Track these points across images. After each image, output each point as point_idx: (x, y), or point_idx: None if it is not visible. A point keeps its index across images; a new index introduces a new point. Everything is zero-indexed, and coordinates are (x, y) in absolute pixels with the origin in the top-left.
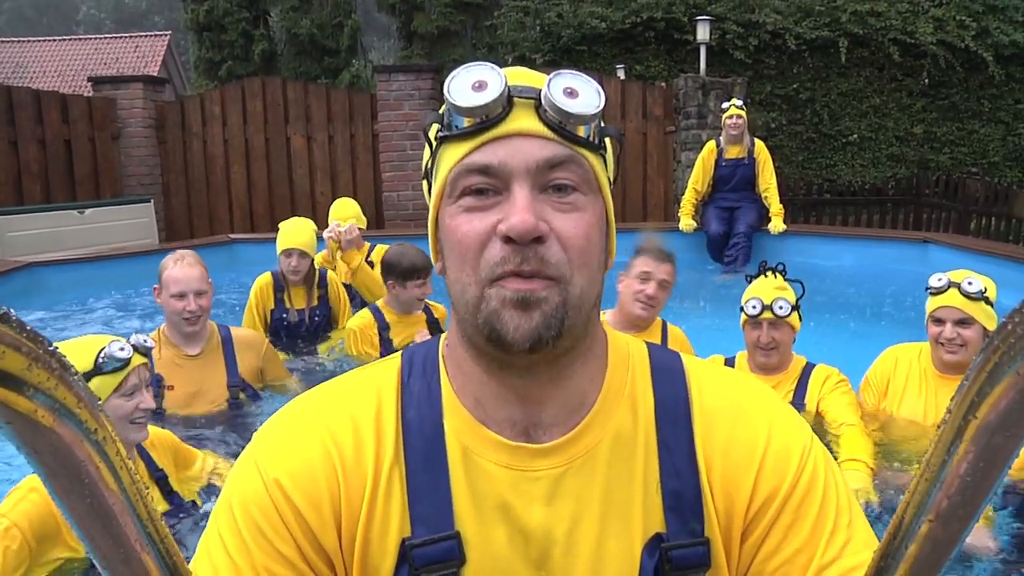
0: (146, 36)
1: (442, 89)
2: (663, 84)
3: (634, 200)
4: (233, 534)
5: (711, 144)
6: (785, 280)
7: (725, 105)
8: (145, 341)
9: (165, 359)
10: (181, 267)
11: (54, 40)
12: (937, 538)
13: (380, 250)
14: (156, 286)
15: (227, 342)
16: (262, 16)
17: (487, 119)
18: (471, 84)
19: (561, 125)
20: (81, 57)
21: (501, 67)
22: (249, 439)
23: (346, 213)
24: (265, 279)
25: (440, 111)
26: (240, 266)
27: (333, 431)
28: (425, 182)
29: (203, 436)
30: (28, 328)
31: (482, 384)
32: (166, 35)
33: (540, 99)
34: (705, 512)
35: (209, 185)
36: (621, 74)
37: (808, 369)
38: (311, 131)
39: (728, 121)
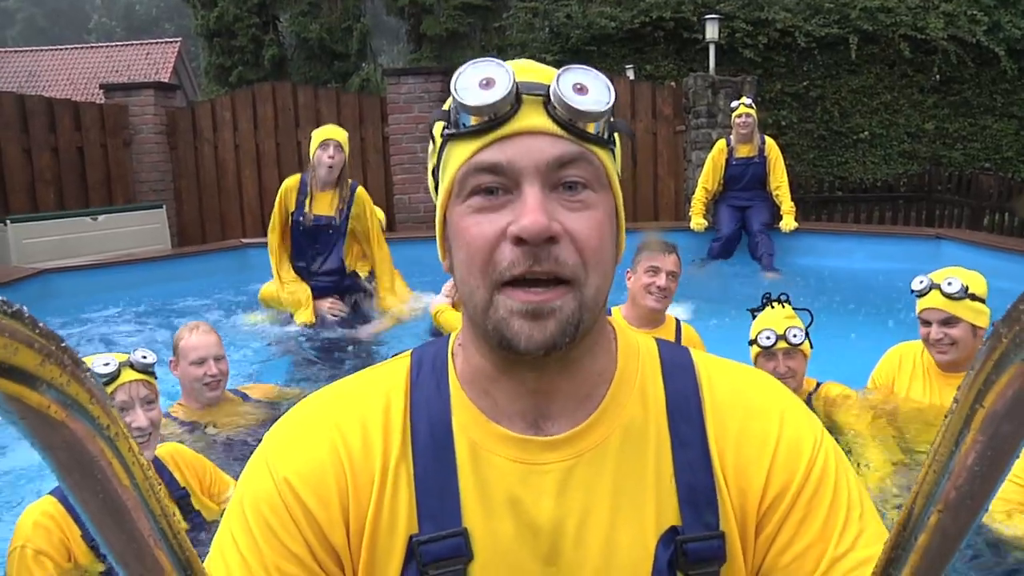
0: (157, 43)
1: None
2: (672, 84)
3: (645, 199)
4: (244, 533)
5: (721, 143)
6: (792, 309)
7: (734, 104)
8: (144, 357)
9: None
10: (198, 335)
11: (66, 49)
12: (946, 528)
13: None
14: (171, 359)
15: (246, 399)
16: (272, 21)
17: (495, 117)
18: (479, 81)
19: (571, 122)
20: (93, 65)
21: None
22: None
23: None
24: (293, 181)
25: (446, 108)
26: (252, 270)
27: (342, 429)
28: (431, 180)
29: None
30: (41, 325)
31: (492, 379)
32: (176, 42)
33: (549, 96)
34: (720, 505)
35: (221, 190)
36: (631, 74)
37: (816, 389)
38: None
39: (737, 120)
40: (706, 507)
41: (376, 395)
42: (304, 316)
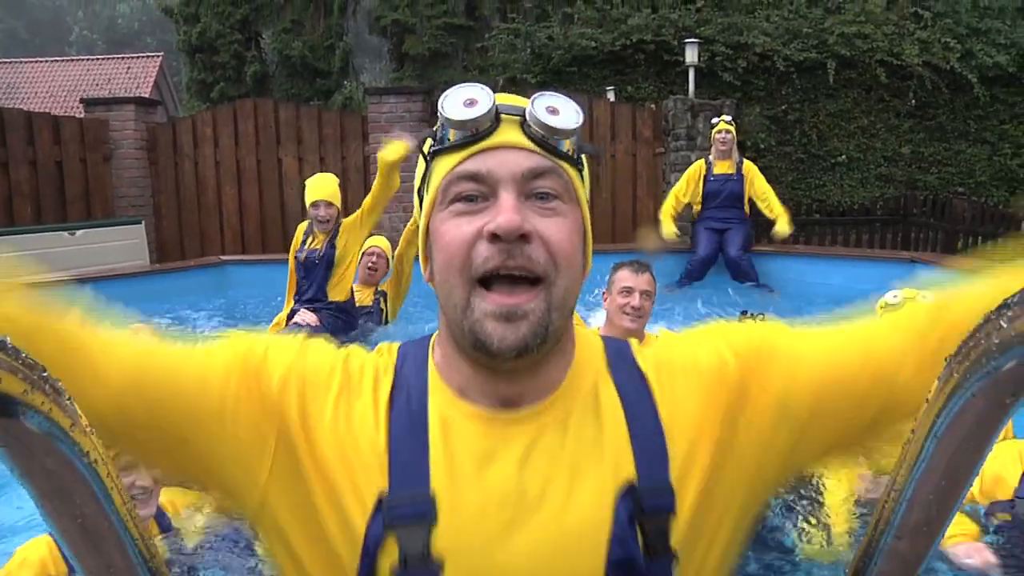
0: (138, 57)
1: (434, 111)
2: (653, 106)
3: (623, 220)
4: (237, 344)
5: (700, 162)
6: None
7: (715, 120)
8: None
9: None
10: None
11: (46, 61)
12: (905, 555)
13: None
14: None
15: None
16: (254, 38)
17: (477, 132)
18: (463, 101)
19: (544, 139)
20: (73, 78)
21: (492, 89)
22: None
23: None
24: (303, 225)
25: (434, 128)
26: (231, 287)
27: (348, 371)
28: (417, 199)
29: None
30: (24, 355)
31: (467, 376)
32: (158, 56)
33: (525, 116)
34: (671, 460)
35: (200, 206)
36: (611, 96)
37: None
38: (303, 153)
39: (717, 136)
40: (658, 462)
41: (369, 371)
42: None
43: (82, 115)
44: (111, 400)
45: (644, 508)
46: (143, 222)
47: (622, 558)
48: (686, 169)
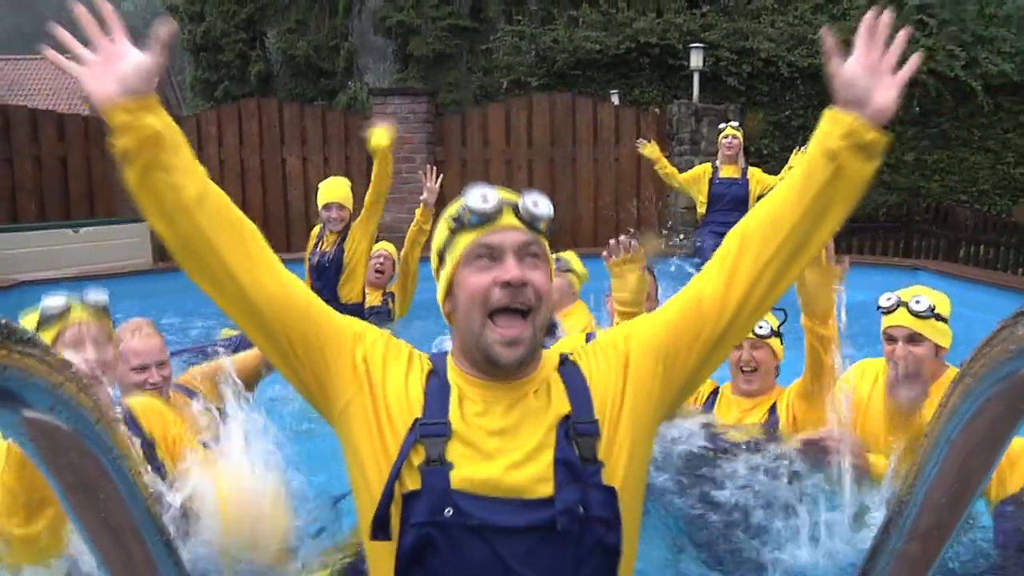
0: None
1: (437, 111)
2: (657, 109)
3: (626, 225)
4: (343, 317)
5: (707, 165)
6: (777, 309)
7: (722, 126)
8: (99, 299)
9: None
10: (140, 338)
11: None
12: (915, 558)
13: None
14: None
15: (190, 395)
16: (259, 37)
17: (489, 218)
18: (480, 196)
19: (531, 223)
20: None
21: (496, 91)
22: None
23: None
24: (317, 229)
25: (455, 213)
26: None
27: (400, 347)
28: (436, 258)
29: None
30: (53, 351)
31: (474, 367)
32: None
33: (518, 207)
34: (594, 403)
35: None
36: (615, 99)
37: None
38: (307, 152)
39: (724, 141)
40: (586, 406)
41: (414, 353)
42: None
43: (86, 113)
44: (281, 288)
45: (577, 431)
46: (146, 221)
47: (562, 459)
48: None
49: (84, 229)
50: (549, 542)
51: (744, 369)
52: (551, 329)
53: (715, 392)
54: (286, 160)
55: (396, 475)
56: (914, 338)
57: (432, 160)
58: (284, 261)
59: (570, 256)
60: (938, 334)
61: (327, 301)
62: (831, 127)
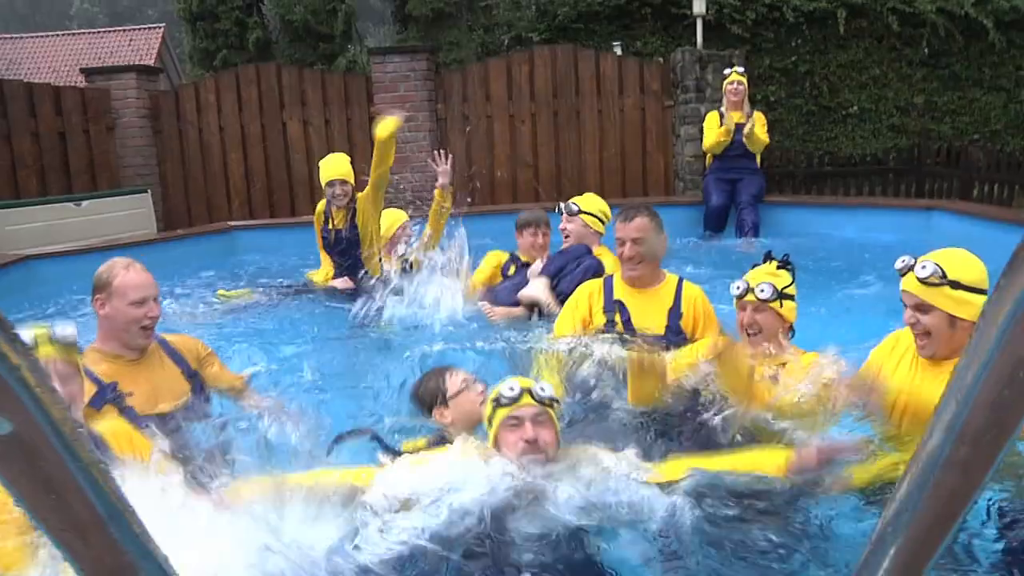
0: (140, 29)
1: (438, 70)
2: (660, 60)
3: (633, 175)
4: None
5: (714, 113)
6: (784, 268)
7: (727, 71)
8: (67, 334)
9: (109, 372)
10: (136, 272)
11: (47, 36)
12: (966, 463)
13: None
14: (99, 297)
15: (163, 343)
16: (255, 4)
17: (517, 400)
18: (509, 386)
19: (543, 403)
20: (75, 52)
21: (498, 50)
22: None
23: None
24: (321, 204)
25: (495, 395)
26: (239, 253)
27: None
28: (486, 420)
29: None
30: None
31: None
32: (160, 27)
33: (534, 392)
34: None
35: (206, 174)
36: (618, 51)
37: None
38: (307, 116)
39: (729, 87)
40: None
41: None
42: (319, 277)
43: (83, 85)
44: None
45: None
46: (149, 191)
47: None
48: (695, 122)
49: (87, 202)
50: None
51: (749, 332)
52: (585, 255)
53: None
54: (287, 124)
55: None
56: (920, 306)
57: (435, 117)
58: (289, 225)
59: (587, 197)
60: (950, 303)
61: (356, 276)
62: None
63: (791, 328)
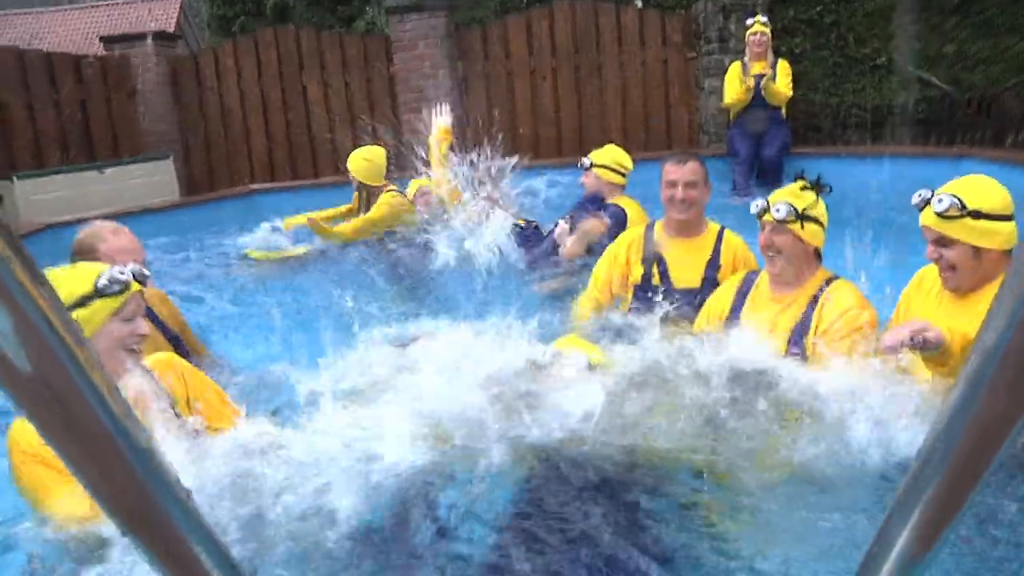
0: (159, 0)
1: (457, 28)
2: (682, 11)
3: (657, 129)
4: None
5: (736, 64)
6: (813, 189)
7: (749, 21)
8: (143, 271)
9: None
10: (125, 236)
11: (66, 9)
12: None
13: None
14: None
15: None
16: None
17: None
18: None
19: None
20: (95, 25)
21: (517, 6)
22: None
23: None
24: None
25: None
26: (262, 216)
27: None
28: None
29: None
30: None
31: None
32: None
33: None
34: None
35: (228, 139)
36: (639, 2)
37: (827, 284)
38: (327, 78)
39: (752, 37)
40: None
41: None
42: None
43: (103, 54)
44: None
45: None
46: (171, 157)
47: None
48: (719, 74)
49: (110, 169)
50: None
51: (768, 253)
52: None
53: (750, 281)
54: (306, 87)
55: None
56: (940, 240)
57: (455, 76)
58: (311, 187)
59: (604, 150)
60: (974, 234)
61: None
62: None
63: (817, 253)
